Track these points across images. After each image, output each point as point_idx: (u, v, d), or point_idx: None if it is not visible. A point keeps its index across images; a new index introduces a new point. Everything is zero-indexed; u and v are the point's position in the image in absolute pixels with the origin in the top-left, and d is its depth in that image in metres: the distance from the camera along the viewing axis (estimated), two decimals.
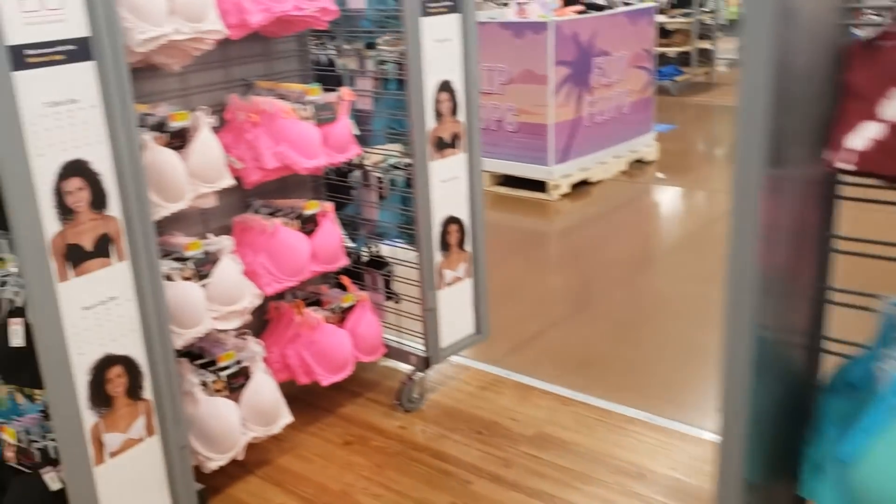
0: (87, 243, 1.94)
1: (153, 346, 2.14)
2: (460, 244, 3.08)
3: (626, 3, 6.15)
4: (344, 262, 2.91)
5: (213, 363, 2.61)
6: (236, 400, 2.55)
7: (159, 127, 2.33)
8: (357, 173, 3.14)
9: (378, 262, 3.26)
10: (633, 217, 5.53)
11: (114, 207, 1.99)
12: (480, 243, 3.14)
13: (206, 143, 2.39)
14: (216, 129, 2.50)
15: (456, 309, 3.11)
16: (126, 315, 2.07)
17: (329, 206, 2.84)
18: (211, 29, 2.30)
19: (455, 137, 2.96)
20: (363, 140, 3.05)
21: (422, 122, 2.81)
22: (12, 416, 2.31)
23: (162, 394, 2.19)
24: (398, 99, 2.92)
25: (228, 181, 2.49)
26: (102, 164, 1.94)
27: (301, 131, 2.63)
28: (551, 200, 5.67)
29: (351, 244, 3.18)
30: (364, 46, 3.00)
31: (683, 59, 9.62)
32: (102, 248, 1.98)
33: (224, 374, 2.53)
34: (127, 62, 1.97)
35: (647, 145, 6.52)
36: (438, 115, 2.87)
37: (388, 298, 3.27)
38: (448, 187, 2.97)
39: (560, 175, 5.67)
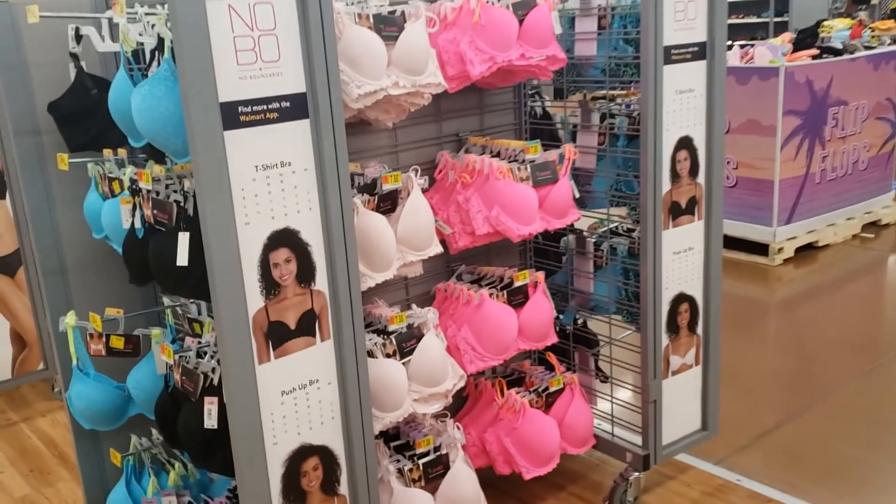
0: (291, 320, 1.73)
1: (352, 435, 1.90)
2: (691, 326, 2.64)
3: (868, 48, 5.44)
4: (553, 339, 2.56)
5: (408, 445, 2.35)
6: (433, 492, 2.26)
7: (369, 188, 2.12)
8: (570, 238, 2.80)
9: (588, 339, 2.88)
10: (869, 289, 4.78)
11: (321, 281, 1.77)
12: (714, 326, 2.68)
13: (417, 208, 2.15)
14: (424, 190, 2.27)
15: (681, 401, 2.67)
16: (326, 400, 1.84)
17: (540, 276, 2.51)
18: (430, 82, 2.07)
19: (692, 202, 2.55)
20: (581, 202, 2.71)
21: (656, 185, 2.43)
22: (202, 493, 2.15)
23: (358, 488, 1.94)
24: (628, 157, 2.56)
25: (436, 248, 2.24)
26: (312, 234, 1.73)
27: (516, 194, 2.33)
28: (772, 266, 5.04)
29: (558, 316, 2.84)
30: (590, 98, 2.68)
31: None
32: (306, 325, 1.77)
33: (421, 461, 2.26)
34: (343, 120, 1.76)
35: (884, 206, 5.70)
36: (675, 176, 2.48)
37: (598, 378, 2.88)
38: (681, 260, 2.56)
39: (784, 237, 5.03)
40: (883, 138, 5.57)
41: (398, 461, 2.26)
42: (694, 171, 2.52)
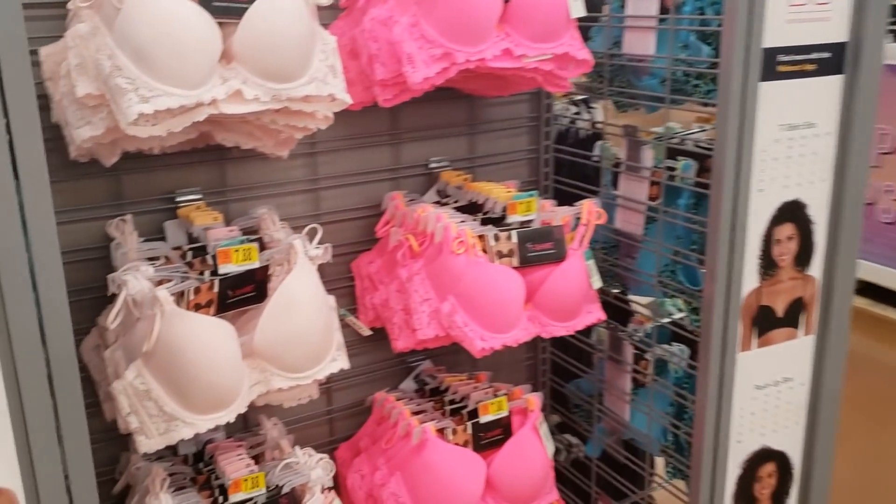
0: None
1: None
2: (777, 498, 1.63)
3: None
4: (550, 497, 1.63)
5: None
6: None
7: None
8: (603, 332, 1.83)
9: (619, 487, 1.91)
10: None
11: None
12: (821, 497, 1.66)
13: (293, 300, 1.25)
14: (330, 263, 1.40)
15: None
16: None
17: (534, 401, 1.58)
18: (311, 94, 1.17)
19: (797, 308, 1.52)
20: (619, 283, 1.75)
21: (733, 277, 1.42)
22: None
23: None
24: (692, 227, 1.56)
25: (335, 364, 1.34)
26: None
27: (484, 280, 1.41)
28: None
29: (575, 445, 1.90)
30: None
31: None
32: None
33: None
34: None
35: None
36: (769, 265, 1.46)
37: None
38: (768, 398, 1.55)
39: None
40: None
41: None
42: (804, 259, 1.48)
